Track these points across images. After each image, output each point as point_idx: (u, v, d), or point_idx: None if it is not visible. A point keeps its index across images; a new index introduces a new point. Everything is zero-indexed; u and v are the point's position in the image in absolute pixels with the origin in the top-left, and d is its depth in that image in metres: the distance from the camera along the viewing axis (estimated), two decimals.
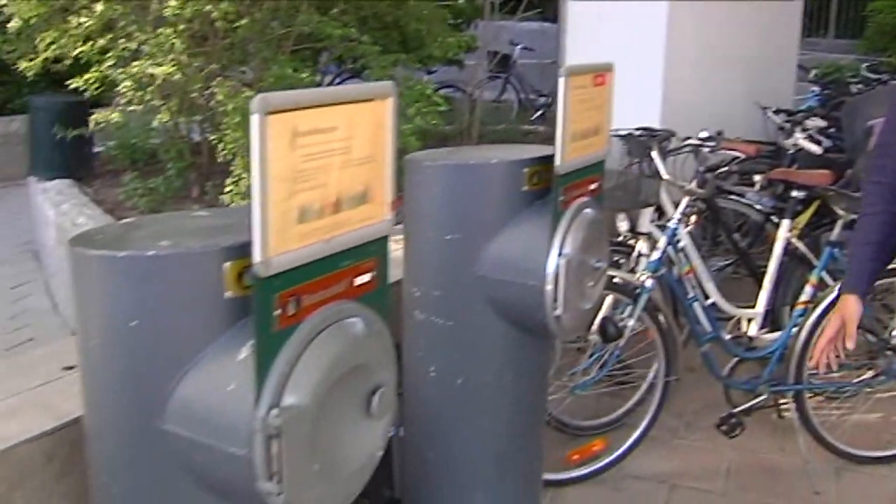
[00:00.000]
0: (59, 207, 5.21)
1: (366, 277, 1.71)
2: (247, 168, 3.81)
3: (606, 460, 3.47)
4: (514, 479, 2.76)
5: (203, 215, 1.93)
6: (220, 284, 1.56)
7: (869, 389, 3.81)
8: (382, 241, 1.74)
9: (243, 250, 1.53)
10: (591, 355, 3.52)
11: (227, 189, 4.03)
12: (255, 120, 1.38)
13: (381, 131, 1.68)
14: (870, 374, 3.75)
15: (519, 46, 11.48)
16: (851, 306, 2.41)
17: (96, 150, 6.54)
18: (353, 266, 1.67)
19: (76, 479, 2.19)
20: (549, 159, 2.45)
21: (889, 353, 3.68)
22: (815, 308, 3.50)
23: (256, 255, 1.43)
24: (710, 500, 3.34)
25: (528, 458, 2.80)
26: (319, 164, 1.53)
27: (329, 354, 1.57)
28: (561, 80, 2.38)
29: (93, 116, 4.42)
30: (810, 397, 3.67)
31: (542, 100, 11.19)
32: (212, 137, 4.32)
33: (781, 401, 3.68)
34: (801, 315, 3.61)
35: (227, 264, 1.56)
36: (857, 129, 4.36)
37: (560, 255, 2.40)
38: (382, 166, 1.70)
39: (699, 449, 3.69)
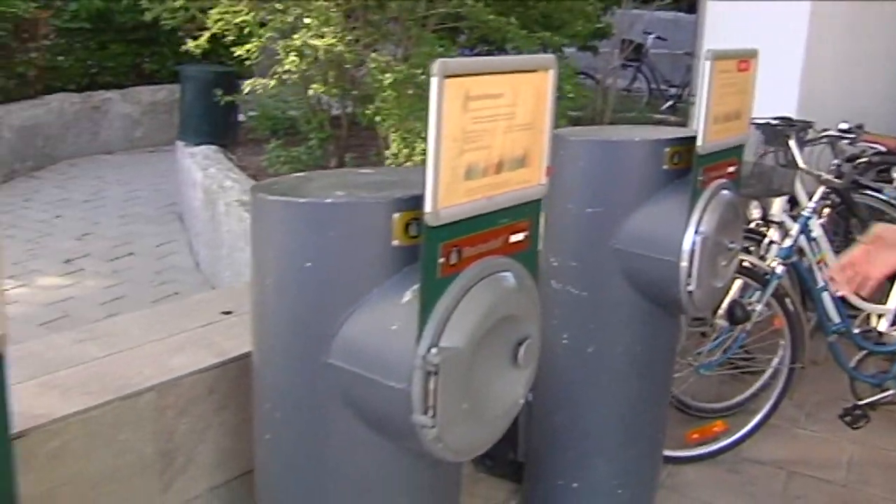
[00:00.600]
0: (207, 171, 5.50)
1: (520, 236, 1.83)
2: (403, 142, 3.97)
3: (726, 442, 3.51)
4: (636, 450, 2.85)
5: (370, 172, 2.08)
6: (388, 233, 1.70)
7: None
8: (536, 203, 1.86)
9: (411, 203, 1.68)
10: (716, 338, 3.57)
11: (388, 162, 4.18)
12: (434, 82, 1.51)
13: (542, 101, 1.80)
14: None
15: (652, 36, 11.41)
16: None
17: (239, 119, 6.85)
18: (509, 224, 1.79)
19: (233, 412, 2.38)
20: (690, 140, 2.52)
21: None
22: None
23: (427, 206, 1.56)
24: (829, 489, 3.36)
25: (652, 431, 2.89)
26: (486, 126, 1.65)
27: (484, 303, 1.70)
28: (706, 64, 2.45)
29: (247, 82, 4.66)
30: None
31: (673, 90, 11.12)
32: (364, 111, 4.49)
33: None
34: None
35: (397, 215, 1.70)
36: None
37: (697, 232, 2.48)
38: (541, 133, 1.82)
39: (820, 439, 3.70)
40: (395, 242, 1.71)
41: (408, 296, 1.68)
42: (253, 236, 1.85)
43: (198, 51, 4.66)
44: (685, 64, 10.44)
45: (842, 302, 3.74)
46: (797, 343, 3.49)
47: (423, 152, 4.03)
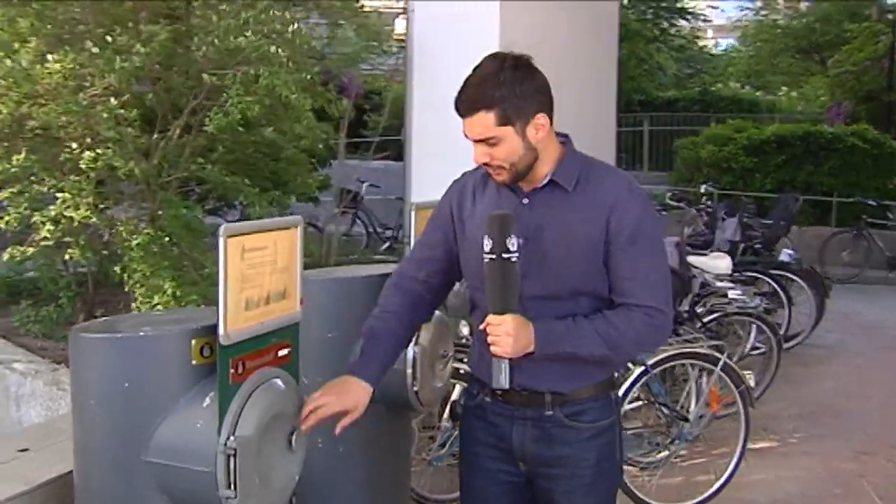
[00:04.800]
0: None
1: (285, 351, 2.44)
2: (150, 295, 4.48)
3: None
4: None
5: (161, 313, 2.63)
6: (187, 355, 2.26)
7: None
8: (295, 326, 2.49)
9: (202, 331, 2.26)
10: (442, 436, 4.27)
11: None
12: (221, 241, 2.12)
13: (294, 249, 2.44)
14: None
15: (366, 184, 12.42)
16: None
17: None
18: (276, 343, 2.40)
19: None
20: None
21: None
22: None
23: (220, 330, 2.15)
24: None
25: None
26: (257, 271, 2.28)
27: (265, 402, 2.29)
28: (412, 214, 3.19)
29: (7, 250, 4.97)
30: None
31: (389, 232, 12.12)
32: (112, 270, 4.95)
33: None
34: None
35: (193, 341, 2.26)
36: None
37: (416, 345, 3.16)
38: (294, 273, 2.46)
39: None
40: (194, 362, 2.27)
41: (207, 401, 2.23)
42: (73, 367, 2.35)
43: None
44: (398, 208, 11.49)
45: None
46: None
47: (165, 305, 4.58)
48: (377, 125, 10.44)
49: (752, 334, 6.72)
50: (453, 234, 2.56)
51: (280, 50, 4.64)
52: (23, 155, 4.66)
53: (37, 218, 4.65)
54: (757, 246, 8.37)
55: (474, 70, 2.34)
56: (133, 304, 4.71)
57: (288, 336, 2.46)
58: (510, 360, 2.31)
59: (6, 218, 4.72)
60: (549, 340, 2.34)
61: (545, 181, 2.41)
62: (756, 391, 5.99)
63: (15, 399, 4.61)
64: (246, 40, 4.61)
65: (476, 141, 2.34)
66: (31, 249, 4.78)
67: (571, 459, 2.48)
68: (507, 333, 2.27)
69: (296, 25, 4.77)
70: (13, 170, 4.60)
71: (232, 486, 2.18)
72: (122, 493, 2.30)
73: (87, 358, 2.31)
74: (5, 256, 5.00)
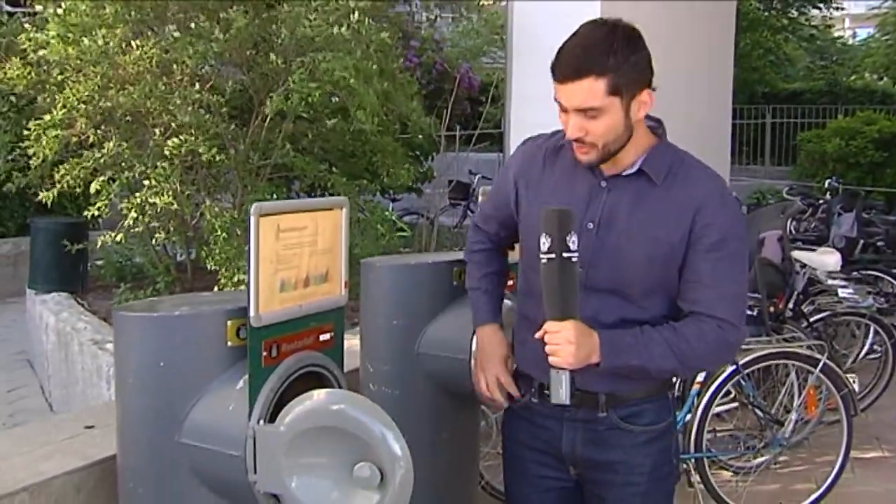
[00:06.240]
0: (59, 315, 5.84)
1: (327, 336, 2.37)
2: (231, 279, 4.50)
3: None
4: None
5: (206, 294, 2.60)
6: (223, 336, 2.22)
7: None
8: (339, 310, 2.42)
9: (239, 312, 2.21)
10: None
11: None
12: (252, 220, 2.07)
13: (338, 231, 2.37)
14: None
15: (478, 176, 12.32)
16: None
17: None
18: (317, 326, 2.34)
19: None
20: None
21: None
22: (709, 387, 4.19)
23: (251, 311, 2.10)
24: None
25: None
26: (294, 252, 2.22)
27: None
28: (479, 198, 3.09)
29: (100, 238, 5.11)
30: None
31: None
32: (201, 254, 5.01)
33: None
34: (697, 394, 4.28)
35: (229, 322, 2.22)
36: (752, 239, 5.13)
37: None
38: (338, 256, 2.39)
39: None
40: (229, 343, 2.23)
41: (241, 383, 2.19)
42: (115, 345, 2.34)
43: (48, 200, 5.06)
44: None
45: None
46: None
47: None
48: (492, 117, 10.35)
49: (869, 337, 6.35)
50: (515, 204, 2.40)
51: (345, 33, 4.57)
52: (113, 142, 4.75)
53: (123, 205, 4.72)
54: (879, 244, 7.91)
55: (575, 35, 2.13)
56: (216, 289, 4.75)
57: (330, 320, 2.39)
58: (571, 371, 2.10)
59: (98, 204, 4.82)
60: (615, 351, 2.15)
61: (632, 170, 2.22)
62: (868, 397, 5.70)
63: (107, 378, 4.70)
64: (312, 27, 4.58)
65: (575, 110, 2.12)
66: (119, 236, 4.87)
67: (625, 465, 2.32)
68: (567, 341, 2.06)
69: (357, 14, 4.68)
70: (103, 159, 4.71)
71: None
72: (157, 472, 2.28)
73: (126, 336, 2.30)
74: (97, 242, 5.13)
